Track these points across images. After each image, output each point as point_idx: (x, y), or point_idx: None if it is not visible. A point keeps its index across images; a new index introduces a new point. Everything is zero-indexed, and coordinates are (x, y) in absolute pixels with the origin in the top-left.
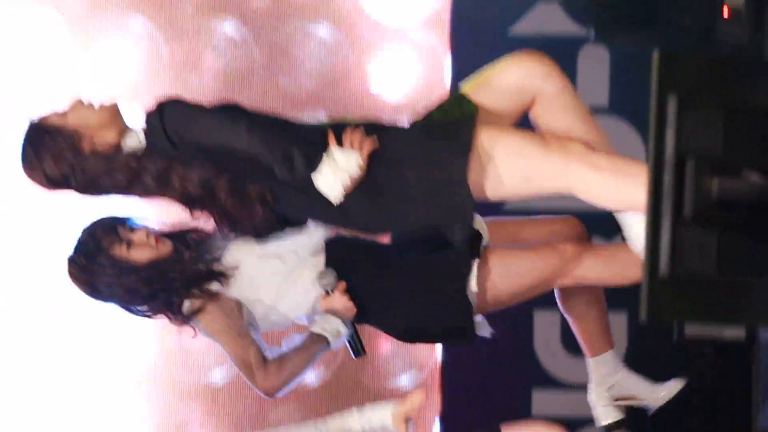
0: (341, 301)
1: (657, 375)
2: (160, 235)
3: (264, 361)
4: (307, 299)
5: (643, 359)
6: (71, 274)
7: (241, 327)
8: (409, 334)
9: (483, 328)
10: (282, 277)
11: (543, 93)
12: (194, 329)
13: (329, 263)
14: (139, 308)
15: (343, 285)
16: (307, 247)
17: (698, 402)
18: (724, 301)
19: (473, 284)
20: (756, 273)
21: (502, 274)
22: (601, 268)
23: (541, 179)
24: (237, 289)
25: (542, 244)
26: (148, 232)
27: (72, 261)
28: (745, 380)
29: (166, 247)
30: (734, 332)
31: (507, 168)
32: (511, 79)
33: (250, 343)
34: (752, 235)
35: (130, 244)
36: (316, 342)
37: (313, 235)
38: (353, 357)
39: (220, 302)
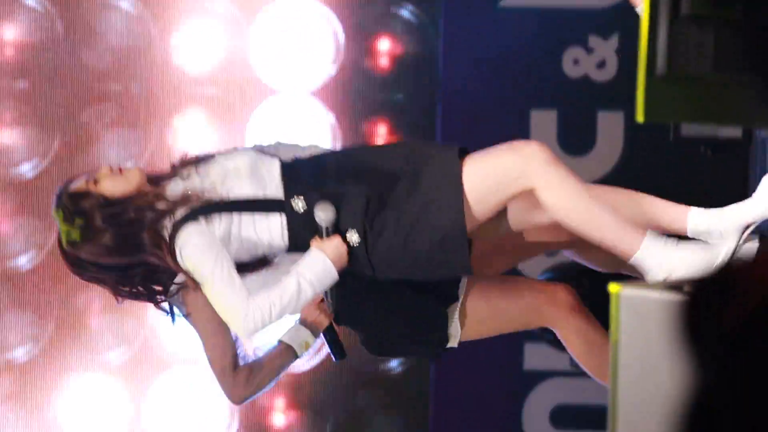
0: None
1: (653, 175)
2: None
3: (235, 368)
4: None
5: (639, 159)
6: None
7: (221, 322)
8: (380, 349)
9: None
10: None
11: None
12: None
13: None
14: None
15: (317, 305)
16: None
17: (694, 201)
18: (721, 101)
19: (455, 324)
20: (752, 71)
21: (484, 314)
22: (583, 337)
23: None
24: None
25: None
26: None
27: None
28: (741, 179)
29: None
30: (730, 131)
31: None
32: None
33: (226, 345)
34: (749, 33)
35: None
36: (284, 353)
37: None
38: (334, 360)
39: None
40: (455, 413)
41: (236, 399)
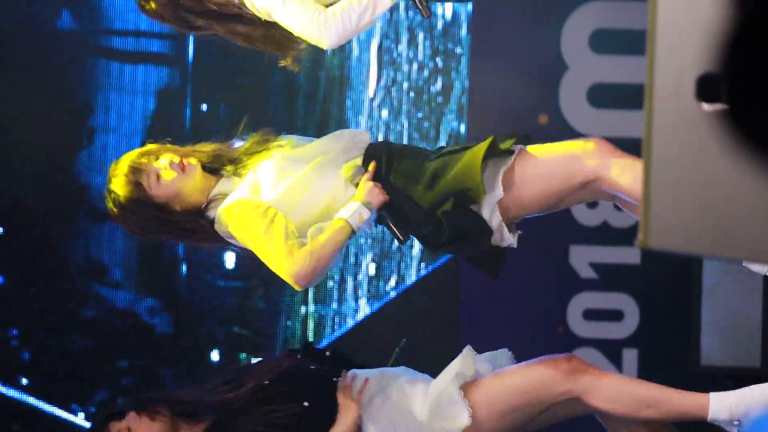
0: (365, 187)
1: None
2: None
3: (292, 249)
4: (340, 198)
5: None
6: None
7: (268, 223)
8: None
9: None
10: (305, 179)
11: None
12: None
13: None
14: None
15: (368, 175)
16: (339, 150)
17: None
18: None
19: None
20: None
21: (529, 172)
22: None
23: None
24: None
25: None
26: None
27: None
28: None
29: (193, 170)
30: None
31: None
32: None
33: (279, 234)
34: None
35: (158, 177)
36: (339, 227)
37: (345, 139)
38: (399, 243)
39: (251, 208)
40: None
41: (300, 278)
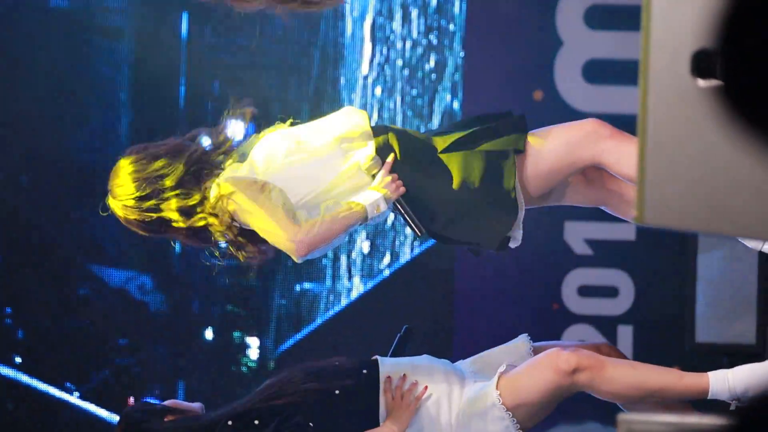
0: (385, 179)
1: None
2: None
3: (293, 220)
4: (344, 181)
5: None
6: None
7: (271, 203)
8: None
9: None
10: (306, 157)
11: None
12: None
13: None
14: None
15: (387, 165)
16: (342, 130)
17: None
18: None
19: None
20: None
21: (536, 159)
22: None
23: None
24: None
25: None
26: None
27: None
28: None
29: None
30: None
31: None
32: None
33: (278, 206)
34: None
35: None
36: (354, 210)
37: (346, 117)
38: (416, 236)
39: (247, 184)
40: None
41: (299, 246)
